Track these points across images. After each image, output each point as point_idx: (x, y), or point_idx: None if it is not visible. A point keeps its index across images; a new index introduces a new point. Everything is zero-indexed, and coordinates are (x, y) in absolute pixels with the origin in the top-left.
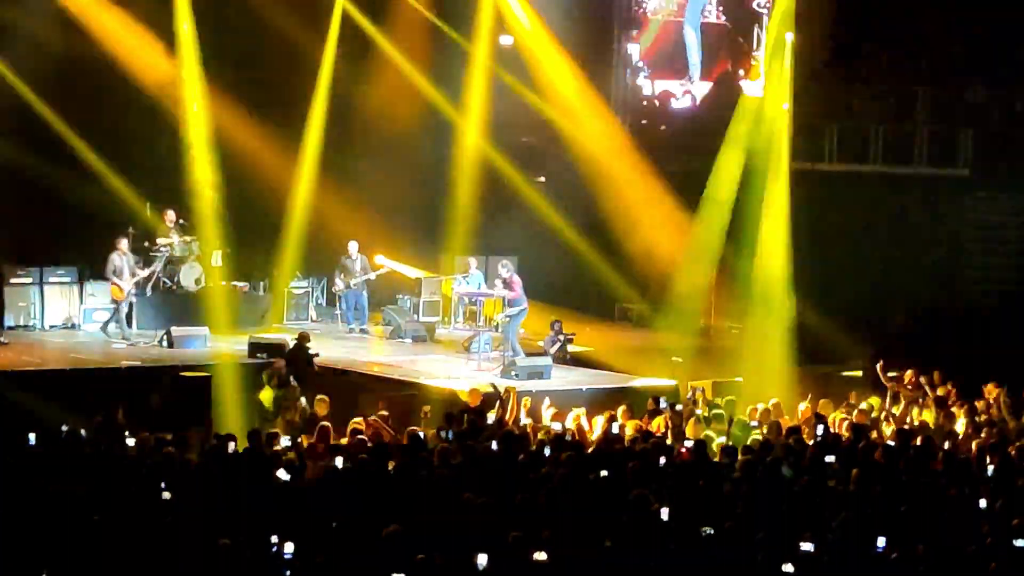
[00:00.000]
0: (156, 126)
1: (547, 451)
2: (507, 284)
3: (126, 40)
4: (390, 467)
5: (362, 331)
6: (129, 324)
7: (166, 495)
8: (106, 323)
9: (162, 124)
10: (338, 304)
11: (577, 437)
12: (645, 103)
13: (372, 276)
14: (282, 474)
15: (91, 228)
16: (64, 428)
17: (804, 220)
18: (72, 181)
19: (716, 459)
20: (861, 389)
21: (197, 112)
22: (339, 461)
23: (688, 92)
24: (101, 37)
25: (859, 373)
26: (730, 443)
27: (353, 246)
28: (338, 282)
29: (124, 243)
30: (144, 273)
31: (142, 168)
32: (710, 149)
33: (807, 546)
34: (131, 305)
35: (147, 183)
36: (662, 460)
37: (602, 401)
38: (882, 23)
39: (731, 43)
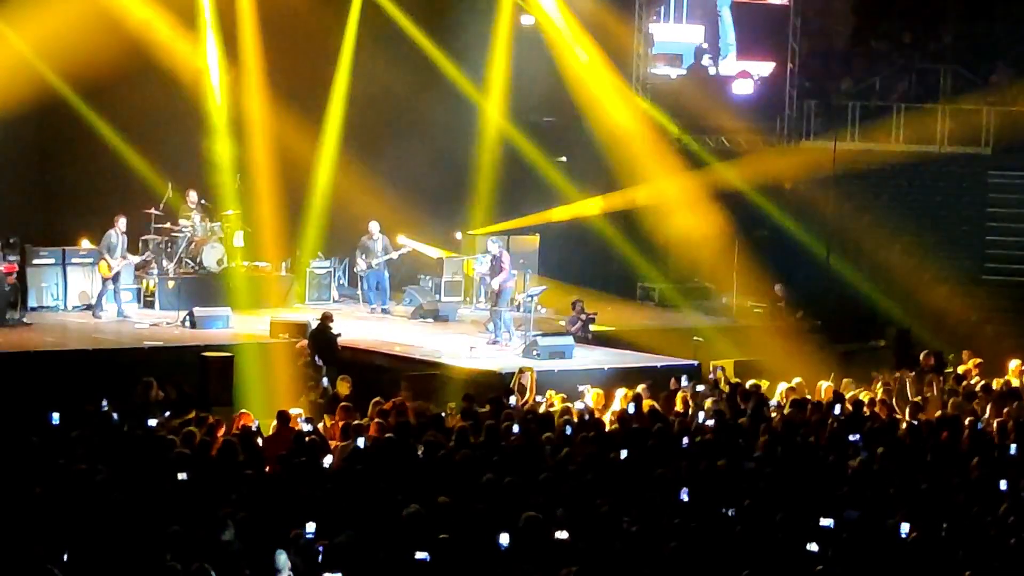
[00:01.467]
0: (181, 107)
1: (568, 431)
2: (497, 262)
3: (150, 22)
4: (416, 448)
5: (384, 311)
6: (152, 305)
7: (182, 476)
8: (119, 308)
9: (187, 105)
10: (360, 284)
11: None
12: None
13: (394, 256)
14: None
15: (114, 210)
16: (105, 407)
17: (827, 199)
18: (96, 162)
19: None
20: (884, 368)
21: (221, 94)
22: (360, 441)
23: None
24: (124, 19)
25: (881, 350)
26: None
27: (374, 226)
28: (360, 262)
29: (122, 221)
30: (135, 259)
31: (165, 149)
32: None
33: (827, 522)
34: (154, 286)
35: (170, 164)
36: (684, 440)
37: (624, 380)
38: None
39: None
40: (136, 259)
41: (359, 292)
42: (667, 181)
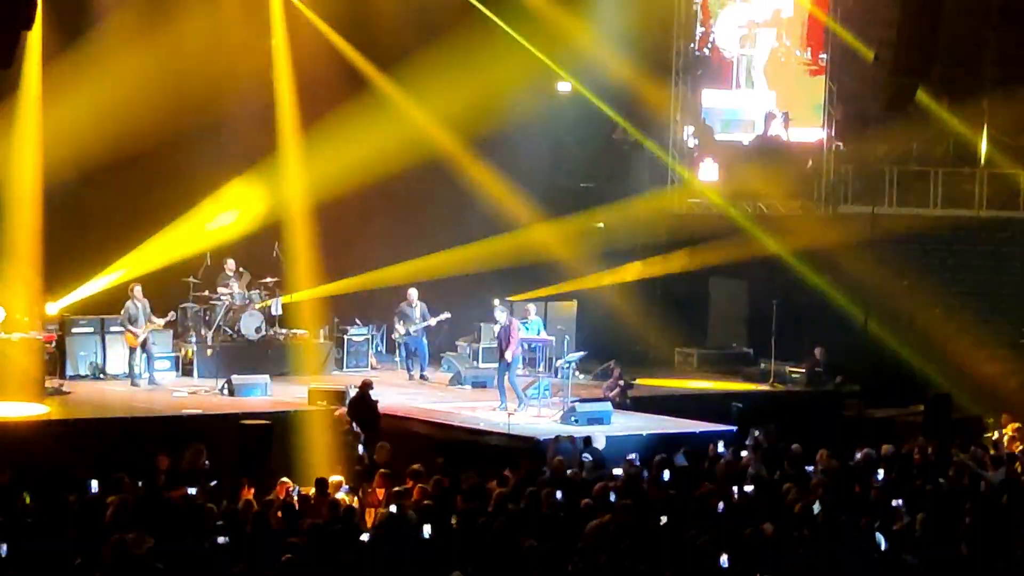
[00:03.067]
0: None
1: (612, 497)
2: (506, 332)
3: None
4: (451, 516)
5: (422, 378)
6: (190, 373)
7: (221, 540)
8: (151, 375)
9: (226, 167)
10: (397, 351)
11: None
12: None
13: (431, 323)
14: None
15: (152, 277)
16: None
17: (864, 263)
18: (134, 230)
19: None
20: (923, 432)
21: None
22: (393, 508)
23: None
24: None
25: (920, 417)
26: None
27: (413, 293)
28: (398, 329)
29: (138, 290)
30: (160, 321)
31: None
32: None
33: None
34: (192, 353)
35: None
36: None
37: (662, 446)
38: (942, 66)
39: None
40: (161, 320)
41: (397, 359)
42: (700, 247)
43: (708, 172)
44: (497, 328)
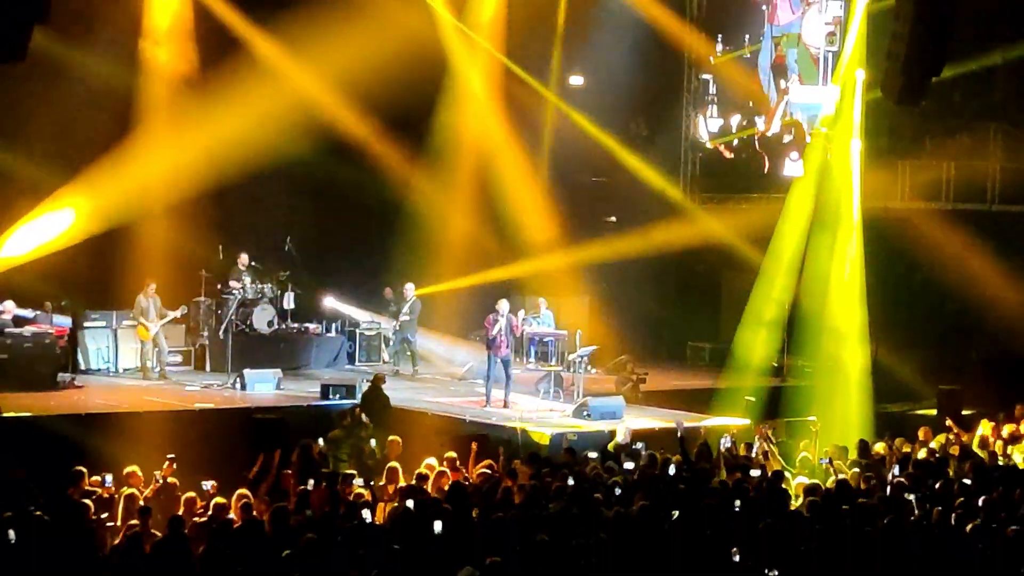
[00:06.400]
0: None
1: (618, 492)
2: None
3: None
4: (471, 509)
5: (396, 372)
6: (202, 367)
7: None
8: (162, 369)
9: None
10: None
11: None
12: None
13: (407, 318)
14: (365, 514)
15: (166, 271)
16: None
17: (876, 259)
18: (146, 225)
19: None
20: (934, 428)
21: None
22: (410, 503)
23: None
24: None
25: (933, 412)
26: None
27: (409, 288)
28: (392, 324)
29: (151, 287)
30: (172, 314)
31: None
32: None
33: None
34: (204, 347)
35: (221, 225)
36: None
37: (674, 440)
38: (955, 60)
39: None
40: (173, 314)
41: (408, 353)
42: (715, 241)
43: (794, 167)
44: (503, 322)
